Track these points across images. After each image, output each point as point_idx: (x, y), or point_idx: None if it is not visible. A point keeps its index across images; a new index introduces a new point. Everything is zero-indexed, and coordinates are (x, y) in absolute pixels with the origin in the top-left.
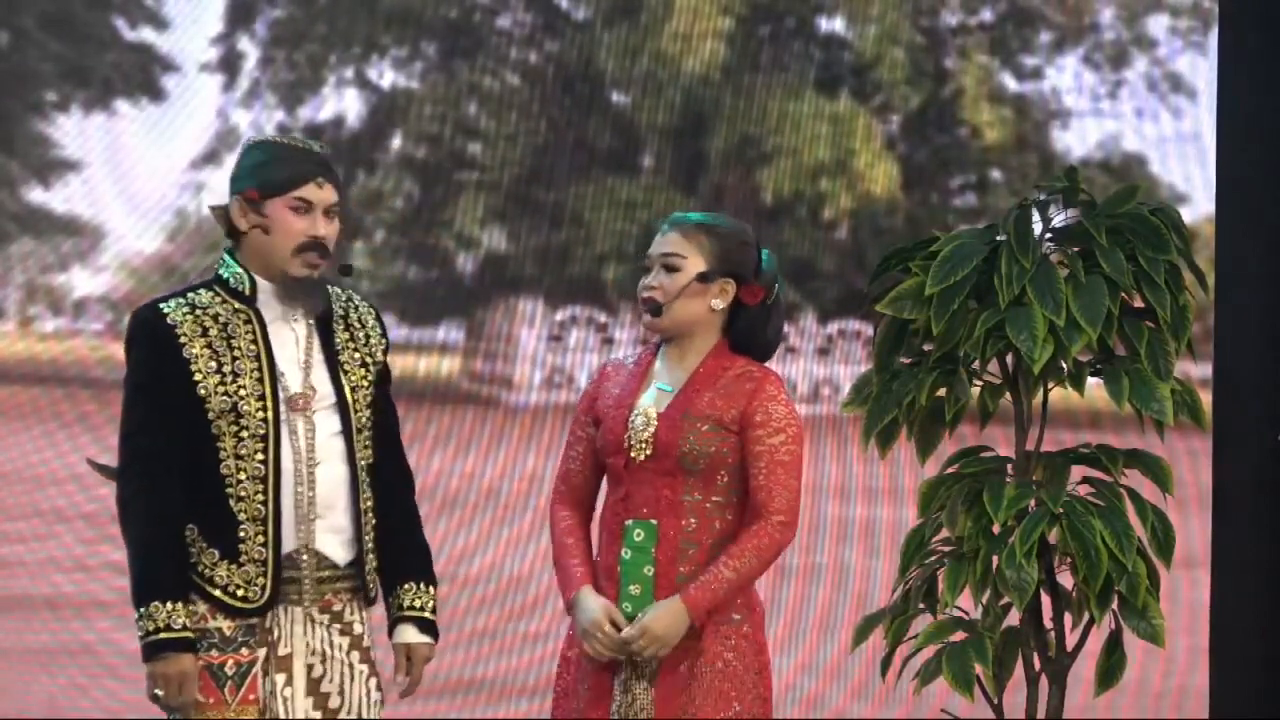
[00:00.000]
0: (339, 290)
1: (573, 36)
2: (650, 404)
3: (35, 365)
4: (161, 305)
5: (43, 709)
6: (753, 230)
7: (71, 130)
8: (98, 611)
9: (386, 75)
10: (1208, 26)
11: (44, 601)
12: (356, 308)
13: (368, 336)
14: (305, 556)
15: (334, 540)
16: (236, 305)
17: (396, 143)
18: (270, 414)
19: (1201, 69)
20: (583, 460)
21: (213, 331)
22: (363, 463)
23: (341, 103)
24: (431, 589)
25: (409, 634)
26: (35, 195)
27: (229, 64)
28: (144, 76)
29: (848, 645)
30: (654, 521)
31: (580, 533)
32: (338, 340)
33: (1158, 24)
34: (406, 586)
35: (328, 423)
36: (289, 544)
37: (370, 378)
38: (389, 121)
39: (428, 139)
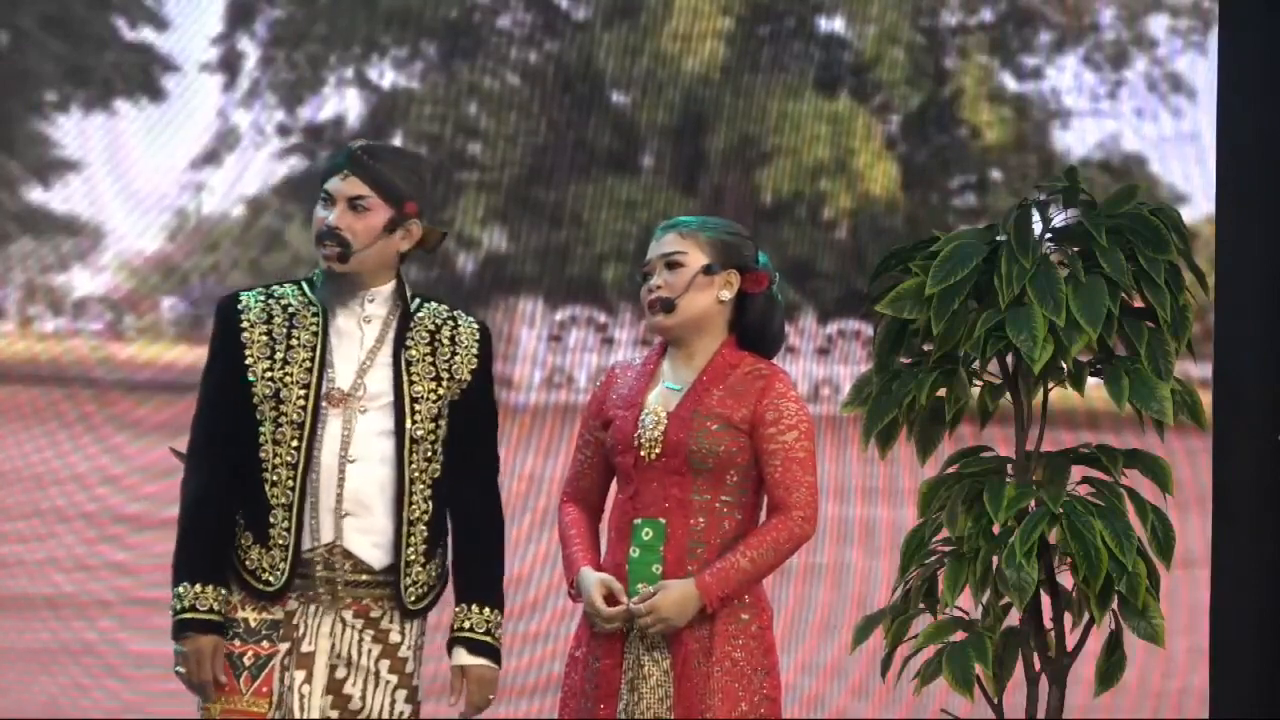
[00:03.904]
0: (438, 305)
1: (573, 36)
2: (659, 403)
3: (35, 365)
4: (242, 293)
5: (43, 709)
6: (746, 228)
7: (71, 130)
8: (98, 611)
9: (386, 75)
10: (1208, 26)
11: (44, 601)
12: (454, 324)
13: (454, 353)
14: (336, 556)
15: (365, 541)
16: (311, 299)
17: (396, 143)
18: (310, 404)
19: (1201, 69)
20: (592, 463)
21: (277, 320)
22: (416, 472)
23: (341, 103)
24: (488, 611)
25: (460, 655)
26: (35, 195)
27: (229, 64)
28: (144, 76)
29: (848, 645)
30: (662, 520)
31: (584, 523)
32: (411, 347)
33: (1158, 24)
34: (459, 609)
35: (376, 423)
36: (316, 537)
37: (441, 391)
38: (389, 121)
39: (428, 139)
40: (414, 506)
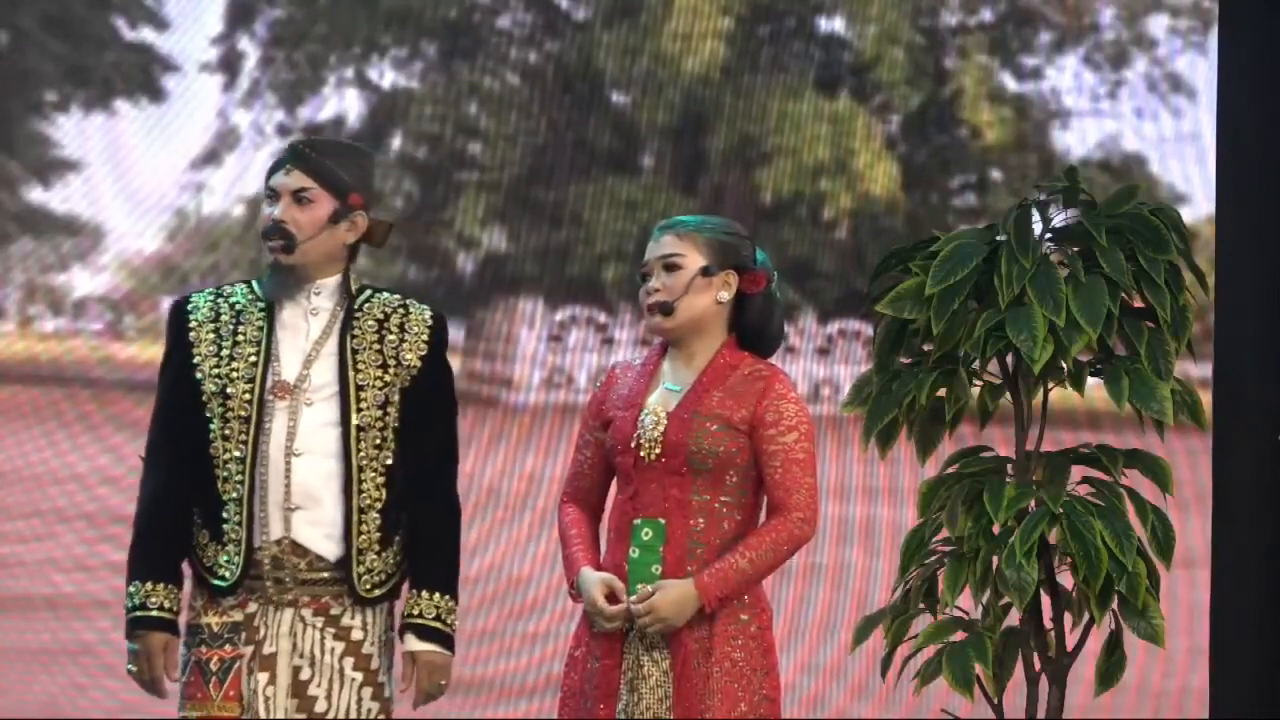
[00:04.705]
0: (390, 294)
1: (573, 36)
2: (659, 403)
3: (35, 365)
4: (192, 295)
5: (43, 709)
6: (745, 227)
7: (71, 130)
8: (97, 611)
9: (386, 75)
10: (1208, 26)
11: (44, 601)
12: (405, 311)
13: (402, 339)
14: (286, 552)
15: (316, 533)
16: (259, 294)
17: (396, 143)
18: (255, 398)
19: (1201, 69)
20: (591, 463)
21: (225, 317)
22: (365, 460)
23: (341, 103)
24: (437, 596)
25: (410, 641)
26: (35, 195)
27: (229, 64)
28: (144, 76)
29: (848, 645)
30: (662, 521)
31: (584, 524)
32: (357, 336)
33: (1158, 24)
34: (410, 595)
35: (321, 414)
36: (266, 531)
37: (388, 378)
38: (389, 121)
39: (428, 139)
40: (364, 495)
